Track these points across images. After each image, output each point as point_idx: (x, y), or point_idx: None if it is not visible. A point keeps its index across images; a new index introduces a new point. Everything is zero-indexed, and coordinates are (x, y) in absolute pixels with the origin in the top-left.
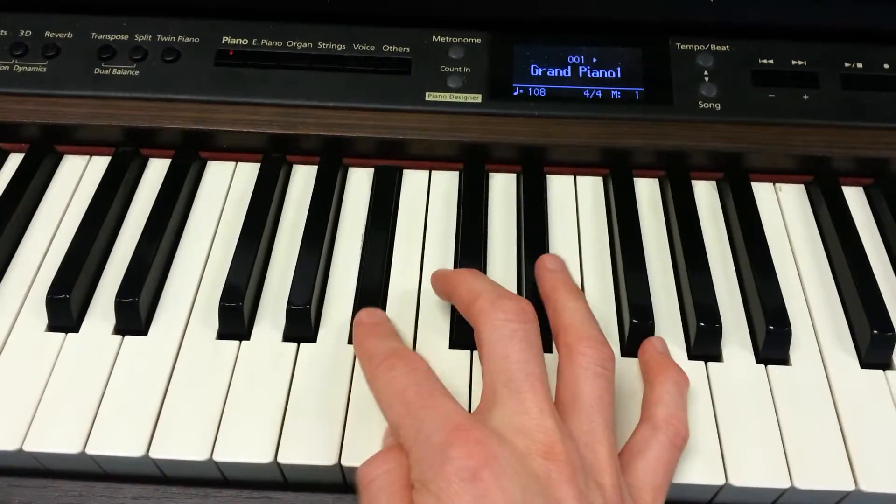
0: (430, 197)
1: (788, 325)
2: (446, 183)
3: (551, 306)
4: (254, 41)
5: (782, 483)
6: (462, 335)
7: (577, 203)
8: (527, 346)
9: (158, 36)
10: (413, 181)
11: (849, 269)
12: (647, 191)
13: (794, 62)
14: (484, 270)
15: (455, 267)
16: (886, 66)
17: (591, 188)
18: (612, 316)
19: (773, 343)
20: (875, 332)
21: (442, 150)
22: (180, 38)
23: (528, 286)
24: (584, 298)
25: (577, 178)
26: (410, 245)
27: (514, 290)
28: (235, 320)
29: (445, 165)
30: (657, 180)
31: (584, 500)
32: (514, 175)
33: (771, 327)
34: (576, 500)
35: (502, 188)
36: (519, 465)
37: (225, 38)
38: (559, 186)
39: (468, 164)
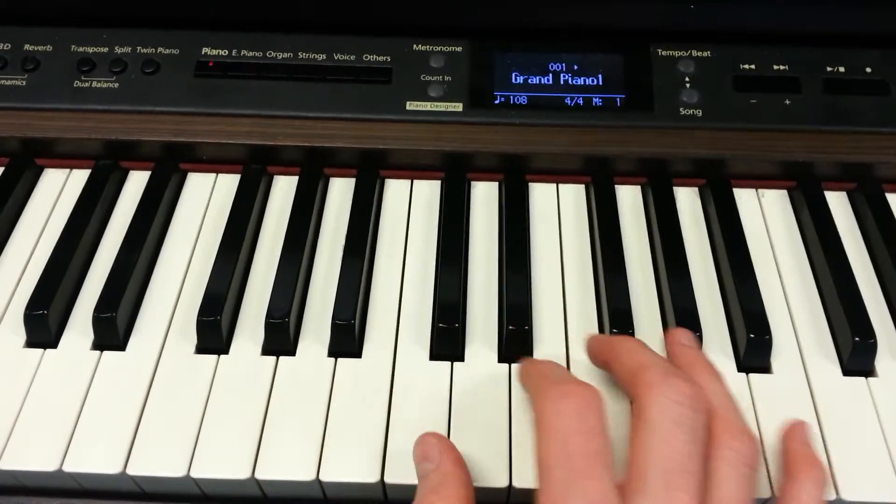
0: (411, 206)
1: (769, 332)
2: (428, 192)
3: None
4: (234, 52)
5: (764, 493)
6: (442, 346)
7: (559, 211)
8: (692, 439)
9: (138, 48)
10: (395, 190)
11: (831, 275)
12: (630, 198)
13: (775, 67)
14: (465, 279)
15: (436, 276)
16: (868, 69)
17: (574, 196)
18: (594, 324)
19: (753, 351)
20: (857, 339)
21: (423, 159)
22: (160, 49)
23: (510, 294)
24: (722, 380)
25: (560, 185)
26: (392, 254)
27: (496, 300)
28: (213, 334)
29: (427, 174)
30: (639, 187)
31: None
32: (497, 183)
33: (751, 335)
34: None
35: (484, 196)
36: None
37: (205, 50)
38: (541, 194)
39: (449, 172)
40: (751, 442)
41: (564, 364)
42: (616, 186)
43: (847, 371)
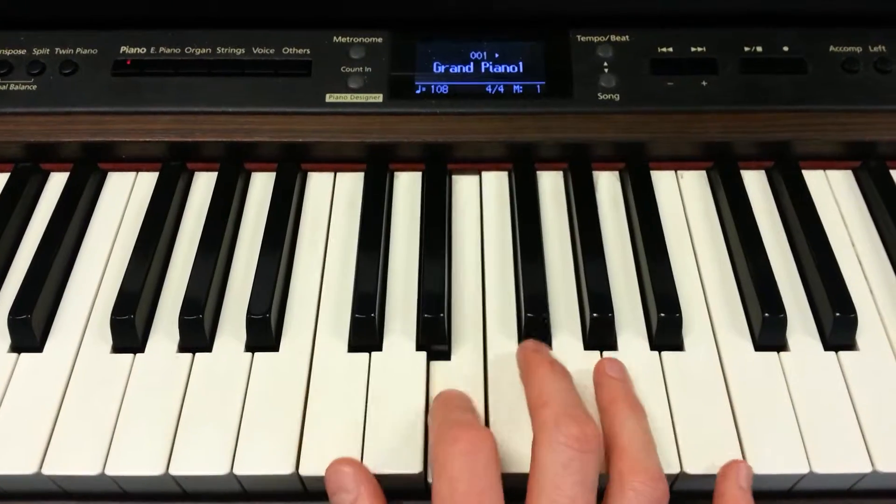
0: (334, 199)
1: (679, 310)
2: (351, 184)
3: (608, 420)
4: (151, 50)
5: (673, 468)
6: (359, 337)
7: (481, 198)
8: (580, 480)
9: (56, 49)
10: (317, 183)
11: (743, 252)
12: (551, 184)
13: (693, 49)
14: (385, 268)
15: (356, 269)
16: (786, 48)
17: (496, 183)
18: (512, 310)
19: (665, 329)
20: (766, 314)
21: (345, 152)
22: (78, 50)
23: (427, 283)
24: (645, 417)
25: (483, 173)
26: (313, 247)
27: (416, 288)
28: (128, 333)
29: (350, 167)
30: (561, 173)
31: None
32: (420, 173)
33: (662, 314)
34: None
35: (407, 187)
36: None
37: (123, 49)
38: (464, 183)
39: (371, 164)
40: (657, 483)
41: (481, 348)
42: (538, 172)
43: (759, 346)
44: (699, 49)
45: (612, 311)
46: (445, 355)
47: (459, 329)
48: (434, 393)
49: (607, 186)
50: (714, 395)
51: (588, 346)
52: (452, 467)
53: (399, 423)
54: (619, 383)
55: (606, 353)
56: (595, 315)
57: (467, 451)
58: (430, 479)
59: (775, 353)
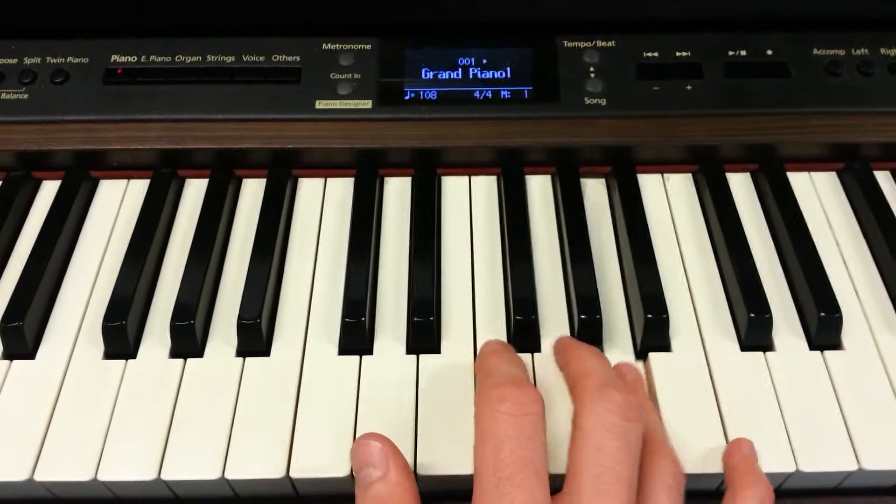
0: (324, 204)
1: (666, 312)
2: (341, 190)
3: None
4: (142, 58)
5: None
6: (350, 341)
7: (471, 203)
8: (623, 446)
9: (48, 58)
10: (308, 189)
11: (729, 253)
12: (540, 188)
13: (678, 54)
14: (375, 274)
15: (346, 273)
16: (769, 52)
17: (486, 188)
18: (501, 314)
19: (651, 331)
20: (752, 315)
21: (335, 158)
22: (70, 59)
23: (417, 287)
24: (657, 413)
25: (472, 178)
26: (304, 252)
27: (406, 294)
28: (119, 340)
29: (340, 172)
30: (549, 177)
31: None
32: (409, 178)
33: (649, 315)
34: None
35: (397, 192)
36: None
37: (114, 57)
38: (453, 187)
39: (361, 170)
40: (676, 462)
41: (471, 350)
42: (526, 177)
43: (745, 346)
44: (684, 54)
45: (600, 314)
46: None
47: (449, 332)
48: (423, 394)
49: (594, 190)
50: (701, 395)
51: None
52: (497, 430)
53: (390, 426)
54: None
55: None
56: (583, 318)
57: (514, 413)
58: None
59: (761, 353)
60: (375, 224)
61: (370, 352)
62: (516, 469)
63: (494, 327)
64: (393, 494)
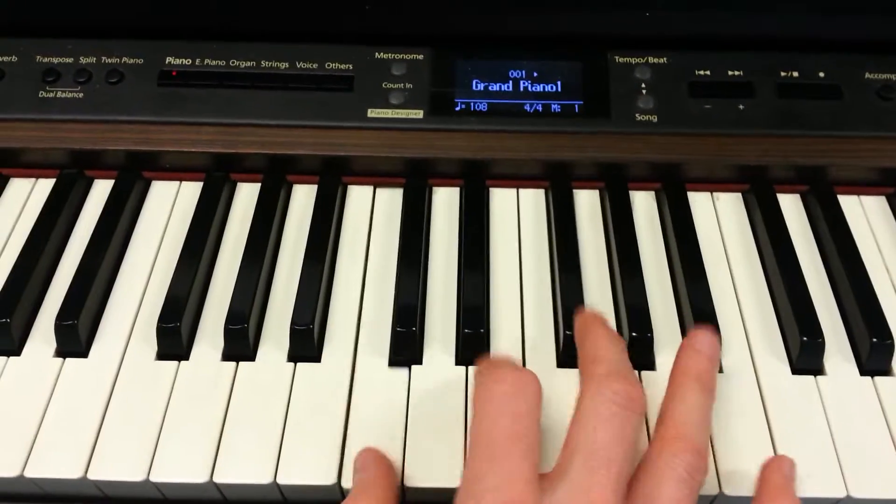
0: (373, 212)
1: (717, 331)
2: (390, 198)
3: (671, 390)
4: (197, 61)
5: (712, 490)
6: (400, 350)
7: (518, 215)
8: (619, 433)
9: (103, 58)
10: (357, 196)
11: (781, 276)
12: (588, 202)
13: (730, 72)
14: (424, 283)
15: (396, 281)
16: (822, 74)
17: (533, 200)
18: (550, 326)
19: None
20: (805, 338)
21: (385, 166)
22: (124, 59)
23: (467, 298)
24: (712, 398)
25: (520, 190)
26: (354, 259)
27: (454, 304)
28: (173, 341)
29: (389, 181)
30: (598, 191)
31: None
32: (458, 189)
33: None
34: None
35: (445, 202)
36: None
37: (168, 59)
38: (501, 199)
39: (410, 179)
40: (699, 457)
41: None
42: (574, 191)
43: (796, 370)
44: (736, 73)
45: (651, 331)
46: None
47: (498, 344)
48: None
49: (643, 206)
50: (752, 417)
51: None
52: (493, 407)
53: (439, 436)
54: (698, 357)
55: (644, 374)
56: (634, 335)
57: (512, 393)
58: None
59: (812, 376)
60: (425, 234)
61: (420, 361)
62: (508, 445)
63: (543, 340)
64: (371, 484)
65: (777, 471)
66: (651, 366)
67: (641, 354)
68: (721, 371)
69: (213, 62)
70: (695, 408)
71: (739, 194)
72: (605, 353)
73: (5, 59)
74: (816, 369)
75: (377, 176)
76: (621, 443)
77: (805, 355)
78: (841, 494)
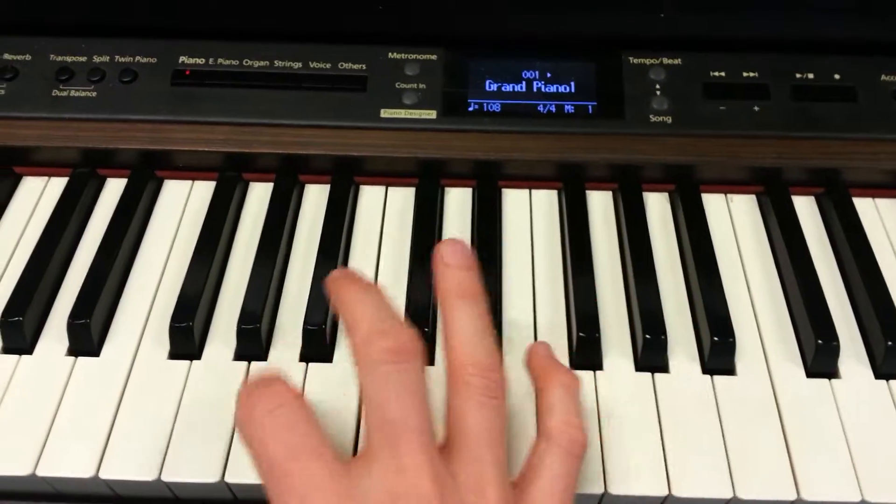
0: (385, 212)
1: (733, 335)
2: (402, 198)
3: (443, 315)
4: (210, 60)
5: (726, 493)
6: None
7: (531, 216)
8: (403, 393)
9: (116, 57)
10: (369, 196)
11: (796, 278)
12: (601, 203)
13: (745, 74)
14: None
15: (408, 281)
16: (837, 76)
17: (546, 201)
18: (563, 328)
19: (717, 353)
20: (820, 341)
21: (398, 166)
22: (138, 58)
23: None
24: (479, 303)
25: (532, 191)
26: (365, 260)
27: None
28: (185, 340)
29: (401, 181)
30: (611, 193)
31: None
32: (470, 189)
33: (715, 338)
34: None
35: (458, 203)
36: None
37: (182, 58)
38: (514, 200)
39: (423, 179)
40: (490, 373)
41: None
42: (588, 192)
43: (811, 373)
44: (751, 74)
45: (665, 334)
46: None
47: (511, 346)
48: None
49: (657, 208)
50: (766, 421)
51: (640, 367)
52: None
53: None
54: (454, 271)
55: (658, 376)
56: (648, 337)
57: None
58: None
59: (826, 380)
60: (437, 234)
61: (432, 363)
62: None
63: (556, 343)
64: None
65: (536, 356)
66: (665, 368)
67: (655, 357)
68: (735, 373)
69: (227, 62)
70: (466, 324)
71: (754, 196)
72: (358, 313)
73: (19, 57)
74: (831, 373)
75: (390, 176)
76: (411, 397)
77: (820, 358)
78: (856, 499)
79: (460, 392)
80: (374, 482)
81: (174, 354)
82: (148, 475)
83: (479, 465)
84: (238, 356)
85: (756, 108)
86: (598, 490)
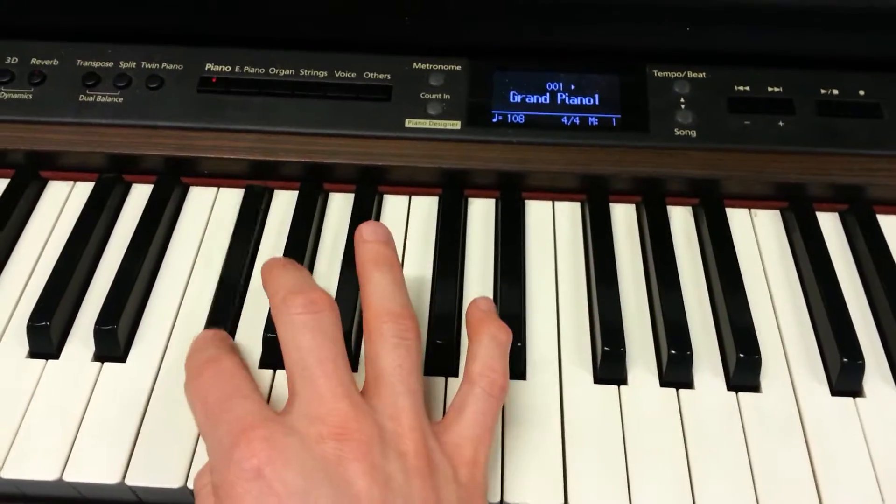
0: (409, 221)
1: (758, 352)
2: (426, 208)
3: (361, 282)
4: (237, 68)
5: None
6: (437, 360)
7: (554, 228)
8: (318, 333)
9: (143, 63)
10: (393, 206)
11: (820, 296)
12: (624, 216)
13: (769, 89)
14: (460, 294)
15: (432, 292)
16: (862, 92)
17: (569, 213)
18: (587, 338)
19: (743, 370)
20: (845, 360)
21: (421, 176)
22: (164, 65)
23: (503, 310)
24: (393, 269)
25: (556, 203)
26: None
27: None
28: None
29: (425, 191)
30: (634, 206)
31: (377, 473)
32: (493, 200)
33: (741, 354)
34: (367, 475)
35: (481, 213)
36: (305, 454)
37: (208, 66)
38: (537, 212)
39: (447, 189)
40: (400, 319)
41: (557, 379)
42: (611, 205)
43: (835, 391)
44: (776, 89)
45: (690, 349)
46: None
47: (533, 357)
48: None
49: (681, 221)
50: (791, 439)
51: (664, 382)
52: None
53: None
54: (370, 245)
55: (682, 392)
56: (673, 352)
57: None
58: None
59: (851, 398)
60: (461, 244)
61: (456, 374)
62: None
63: (580, 356)
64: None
65: (475, 308)
66: (690, 384)
67: (680, 372)
68: (759, 391)
69: (253, 69)
70: (381, 285)
71: (777, 211)
72: (279, 282)
73: (46, 62)
74: (856, 391)
75: (413, 186)
76: (326, 340)
77: (845, 377)
78: None
79: (375, 337)
80: (296, 412)
81: None
82: (174, 482)
83: (393, 396)
84: (263, 364)
85: (781, 123)
86: None
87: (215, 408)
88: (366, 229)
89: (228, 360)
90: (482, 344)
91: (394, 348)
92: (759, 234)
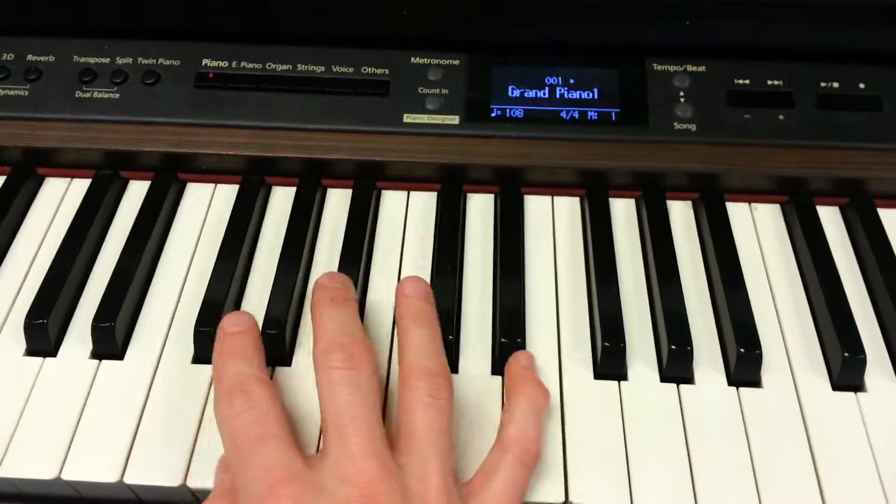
0: (407, 217)
1: (759, 347)
2: (424, 203)
3: (399, 336)
4: (233, 63)
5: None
6: None
7: (553, 223)
8: (353, 391)
9: (139, 59)
10: (391, 201)
11: (821, 290)
12: (624, 211)
13: (769, 82)
14: (459, 290)
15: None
16: (862, 85)
17: (569, 208)
18: (586, 334)
19: (744, 365)
20: (846, 354)
21: (420, 171)
22: (161, 60)
23: (503, 305)
24: (432, 326)
25: (555, 198)
26: (388, 264)
27: (490, 311)
28: (210, 344)
29: (424, 186)
30: (633, 200)
31: None
32: (492, 195)
33: (742, 349)
34: None
35: (480, 208)
36: None
37: (205, 61)
38: (536, 206)
39: (445, 184)
40: (434, 378)
41: (557, 375)
42: (610, 199)
43: (837, 386)
44: (776, 82)
45: (690, 344)
46: None
47: (530, 349)
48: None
49: (680, 216)
50: (793, 434)
51: (664, 378)
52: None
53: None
54: (410, 301)
55: (683, 387)
56: (674, 347)
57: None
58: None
59: (853, 393)
60: (460, 239)
61: (455, 370)
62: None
63: (580, 352)
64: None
65: (516, 364)
66: (690, 379)
67: (681, 367)
68: (760, 386)
69: (250, 65)
70: (420, 342)
71: (778, 205)
72: (324, 327)
73: (42, 58)
74: (857, 386)
75: (412, 181)
76: (361, 398)
77: (846, 372)
78: None
79: (409, 393)
80: (327, 469)
81: (199, 358)
82: (173, 480)
83: (423, 458)
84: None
85: (780, 117)
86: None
87: (246, 446)
88: (408, 285)
89: (261, 392)
90: (519, 407)
91: (427, 408)
92: (759, 228)
